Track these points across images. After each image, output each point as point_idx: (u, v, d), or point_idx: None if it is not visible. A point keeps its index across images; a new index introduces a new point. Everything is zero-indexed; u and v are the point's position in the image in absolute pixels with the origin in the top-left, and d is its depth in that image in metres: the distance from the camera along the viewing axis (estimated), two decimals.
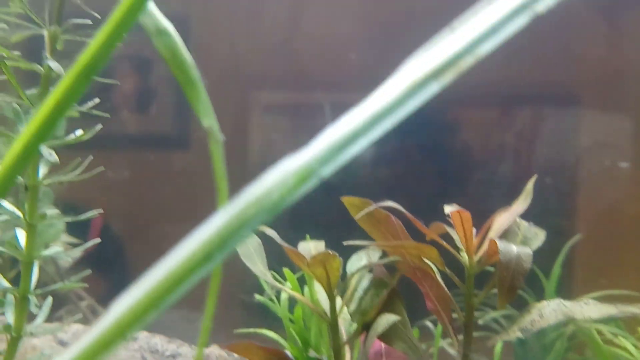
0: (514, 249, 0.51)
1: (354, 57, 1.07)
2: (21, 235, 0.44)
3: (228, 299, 1.09)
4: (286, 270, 0.82)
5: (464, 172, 1.18)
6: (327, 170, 0.18)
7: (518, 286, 0.50)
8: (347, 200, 0.70)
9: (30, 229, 0.42)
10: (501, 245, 0.51)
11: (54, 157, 0.40)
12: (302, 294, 0.82)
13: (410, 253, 0.59)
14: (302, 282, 0.81)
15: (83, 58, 0.18)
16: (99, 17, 0.47)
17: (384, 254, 0.71)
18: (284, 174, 0.18)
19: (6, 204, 0.41)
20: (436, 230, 0.66)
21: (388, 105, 0.18)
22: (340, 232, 1.14)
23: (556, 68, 1.15)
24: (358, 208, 0.69)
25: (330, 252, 0.57)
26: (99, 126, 0.46)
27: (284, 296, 0.88)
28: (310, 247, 0.75)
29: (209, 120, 0.19)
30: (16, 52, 0.44)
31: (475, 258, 0.61)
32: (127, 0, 0.19)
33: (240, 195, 0.19)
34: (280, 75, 1.10)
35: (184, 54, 0.20)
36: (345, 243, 0.60)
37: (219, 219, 0.19)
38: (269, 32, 1.10)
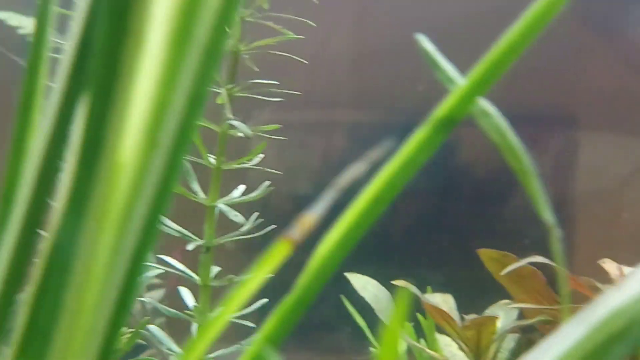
0: None
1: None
2: (187, 295, 0.44)
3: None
4: (406, 324, 0.79)
5: (496, 200, 1.11)
6: None
7: None
8: (485, 254, 0.67)
9: (205, 290, 0.42)
10: None
11: (239, 217, 0.39)
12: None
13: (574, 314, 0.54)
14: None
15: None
16: (257, 70, 0.47)
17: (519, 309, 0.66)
18: None
19: (180, 265, 0.41)
20: (588, 285, 0.61)
21: None
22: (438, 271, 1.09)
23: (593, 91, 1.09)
24: (498, 262, 0.65)
25: (490, 315, 0.53)
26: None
27: (400, 349, 0.85)
28: (438, 301, 0.72)
29: (546, 214, 0.17)
30: None
31: None
32: (461, 91, 0.17)
33: (596, 303, 0.16)
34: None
35: (513, 138, 0.18)
36: (511, 306, 0.56)
37: (573, 331, 0.16)
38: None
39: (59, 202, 0.16)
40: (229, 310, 0.17)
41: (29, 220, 0.16)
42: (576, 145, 1.08)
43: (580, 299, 0.60)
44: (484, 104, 0.18)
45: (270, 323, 0.20)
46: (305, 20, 0.45)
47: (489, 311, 0.71)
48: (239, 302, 0.17)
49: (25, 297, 0.16)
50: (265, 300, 0.44)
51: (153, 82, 0.15)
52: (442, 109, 0.18)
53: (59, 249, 0.16)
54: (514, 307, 0.63)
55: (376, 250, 1.09)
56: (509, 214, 1.08)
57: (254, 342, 0.20)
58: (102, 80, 0.15)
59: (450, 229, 1.05)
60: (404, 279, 0.74)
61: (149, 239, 0.16)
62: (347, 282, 0.69)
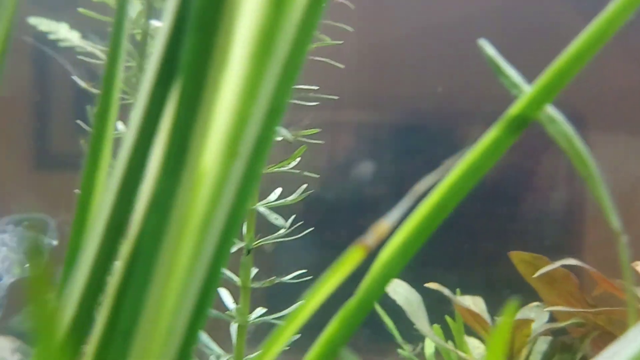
0: None
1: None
2: (226, 296, 0.44)
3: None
4: (435, 326, 0.79)
5: (511, 201, 1.10)
6: None
7: None
8: (516, 256, 0.67)
9: (245, 292, 0.43)
10: None
11: (280, 220, 0.40)
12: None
13: (609, 317, 0.54)
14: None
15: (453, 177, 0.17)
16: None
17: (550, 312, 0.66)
18: None
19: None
20: (623, 289, 0.61)
21: None
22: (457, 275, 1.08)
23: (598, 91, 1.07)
24: (529, 265, 0.65)
25: (525, 318, 0.53)
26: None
27: (428, 352, 0.85)
28: (469, 303, 0.72)
29: (614, 220, 0.18)
30: None
31: None
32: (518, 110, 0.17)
33: None
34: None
35: (580, 144, 0.18)
36: (546, 309, 0.56)
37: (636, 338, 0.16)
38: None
39: (141, 208, 0.16)
40: (304, 315, 0.18)
41: (112, 225, 0.17)
42: (588, 146, 1.07)
43: (616, 302, 0.60)
44: (551, 111, 0.19)
45: (332, 326, 0.21)
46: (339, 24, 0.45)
47: (520, 314, 0.70)
48: (312, 306, 0.18)
49: (107, 299, 0.17)
50: (301, 302, 0.45)
51: (235, 95, 0.16)
52: (510, 114, 0.18)
53: (141, 253, 0.17)
54: (548, 310, 0.63)
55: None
56: (523, 214, 1.07)
57: (317, 345, 0.21)
58: (188, 92, 0.15)
59: (464, 230, 1.05)
60: (417, 279, 0.74)
61: (227, 246, 0.17)
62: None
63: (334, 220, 1.03)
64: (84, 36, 0.84)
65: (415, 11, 1.03)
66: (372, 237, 0.17)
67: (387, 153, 1.06)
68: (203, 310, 0.17)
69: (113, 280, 0.17)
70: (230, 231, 0.17)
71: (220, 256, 0.17)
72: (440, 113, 1.07)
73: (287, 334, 0.18)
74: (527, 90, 0.18)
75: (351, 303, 0.20)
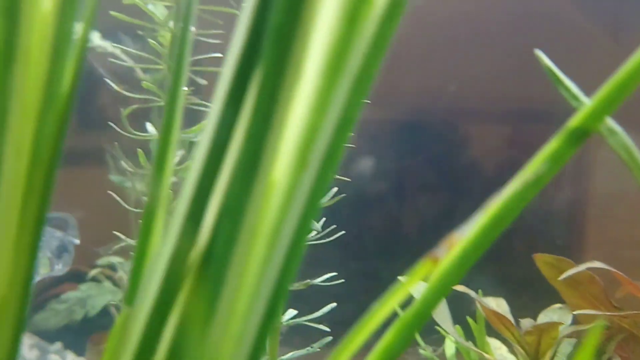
0: None
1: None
2: None
3: None
4: (457, 327, 0.79)
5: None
6: None
7: None
8: (540, 259, 0.67)
9: None
10: None
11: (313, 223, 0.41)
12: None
13: (634, 321, 0.54)
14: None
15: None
16: None
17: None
18: None
19: None
20: None
21: None
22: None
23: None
24: (553, 267, 0.65)
25: (553, 321, 0.53)
26: None
27: (449, 353, 0.85)
28: (493, 305, 0.72)
29: None
30: None
31: None
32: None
33: None
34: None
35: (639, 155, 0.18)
36: (575, 312, 0.56)
37: None
38: None
39: (212, 215, 0.17)
40: (375, 322, 0.18)
41: (185, 232, 0.17)
42: (596, 144, 1.07)
43: (638, 305, 0.59)
44: (611, 123, 0.19)
45: (389, 336, 0.21)
46: None
47: (543, 315, 0.70)
48: (380, 318, 0.18)
49: (179, 304, 0.18)
50: (333, 304, 0.45)
51: (307, 108, 0.16)
52: (570, 125, 0.18)
53: (213, 259, 0.17)
54: (575, 313, 0.63)
55: (387, 247, 1.09)
56: (529, 214, 1.07)
57: (373, 354, 0.21)
58: (262, 104, 0.16)
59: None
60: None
61: (297, 253, 0.17)
62: (382, 282, 0.70)
63: (350, 218, 1.03)
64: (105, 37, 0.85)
65: (426, 8, 1.03)
66: (443, 249, 0.17)
67: (396, 152, 1.06)
68: (273, 316, 0.17)
69: (185, 285, 0.17)
70: (299, 240, 0.17)
71: (290, 264, 0.17)
72: (453, 112, 1.07)
73: (353, 346, 0.18)
74: (586, 102, 0.19)
75: (408, 313, 0.21)
